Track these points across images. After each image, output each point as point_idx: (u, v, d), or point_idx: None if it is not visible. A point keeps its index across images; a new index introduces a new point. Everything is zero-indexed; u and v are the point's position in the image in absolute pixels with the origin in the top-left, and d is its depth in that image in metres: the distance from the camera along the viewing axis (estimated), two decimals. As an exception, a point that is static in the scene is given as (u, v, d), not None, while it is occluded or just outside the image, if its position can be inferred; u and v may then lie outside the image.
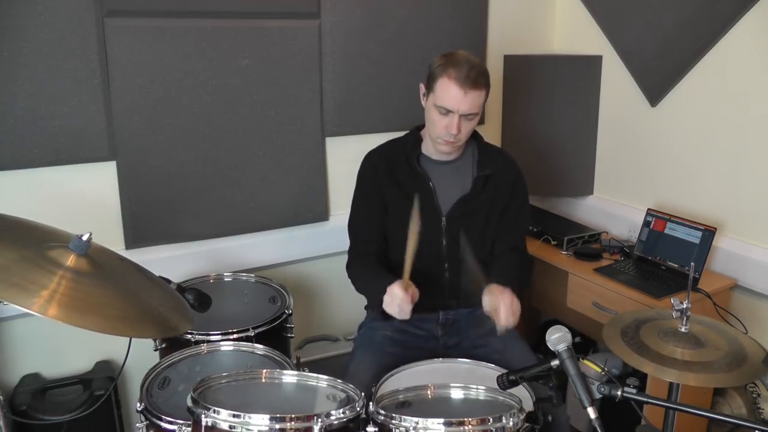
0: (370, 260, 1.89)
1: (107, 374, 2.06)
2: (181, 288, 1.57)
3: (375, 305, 1.84)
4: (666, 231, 2.26)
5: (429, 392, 1.46)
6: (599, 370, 1.44)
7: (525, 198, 1.99)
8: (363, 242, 1.93)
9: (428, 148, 1.90)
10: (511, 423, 1.29)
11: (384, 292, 1.71)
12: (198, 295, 1.59)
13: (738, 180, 2.17)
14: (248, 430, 1.19)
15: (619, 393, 1.24)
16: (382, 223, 1.91)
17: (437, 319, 1.92)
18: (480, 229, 1.90)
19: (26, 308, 1.05)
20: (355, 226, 1.96)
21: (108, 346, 2.10)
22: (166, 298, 1.41)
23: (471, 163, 1.92)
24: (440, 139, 1.80)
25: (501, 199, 1.92)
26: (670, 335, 1.52)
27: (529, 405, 1.45)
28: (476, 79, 1.72)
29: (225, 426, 1.20)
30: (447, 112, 1.74)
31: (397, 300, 1.66)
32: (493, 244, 1.95)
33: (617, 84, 2.54)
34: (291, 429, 1.21)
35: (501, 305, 1.65)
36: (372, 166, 1.92)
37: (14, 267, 1.13)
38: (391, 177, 1.88)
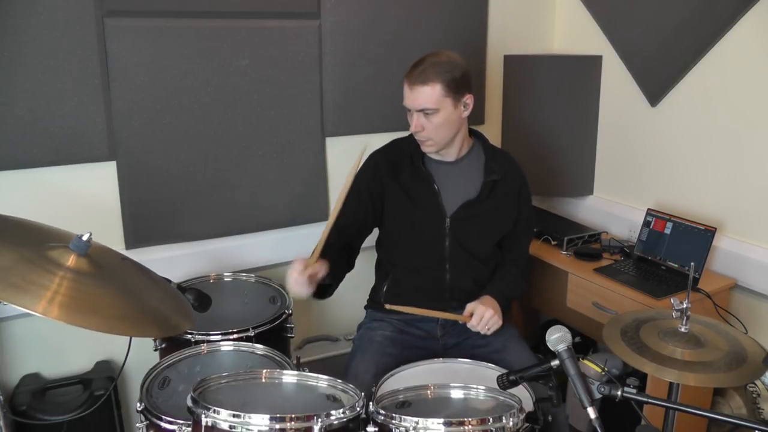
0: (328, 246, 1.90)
1: (107, 374, 2.06)
2: (182, 288, 1.57)
3: None
4: (666, 231, 2.25)
5: (429, 392, 1.46)
6: (599, 370, 1.44)
7: (531, 205, 2.04)
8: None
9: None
10: (511, 423, 1.29)
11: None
12: (198, 295, 1.59)
13: (738, 180, 2.17)
14: (248, 430, 1.19)
15: (619, 393, 1.24)
16: (365, 219, 1.92)
17: (437, 320, 1.91)
18: (483, 232, 1.91)
19: (27, 309, 1.05)
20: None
21: (108, 346, 2.10)
22: (166, 297, 1.41)
23: (478, 167, 1.91)
24: (416, 138, 1.83)
25: (506, 205, 1.93)
26: (670, 335, 1.52)
27: (529, 405, 1.45)
28: (423, 74, 1.73)
29: (225, 426, 1.20)
30: (408, 110, 1.79)
31: (291, 275, 1.66)
32: (500, 248, 1.99)
33: (617, 84, 2.54)
34: (291, 429, 1.20)
35: (479, 312, 1.76)
36: (375, 165, 1.92)
37: (15, 268, 1.12)
38: (394, 178, 1.88)
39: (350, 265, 1.94)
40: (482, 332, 1.78)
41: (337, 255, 1.81)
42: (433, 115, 1.76)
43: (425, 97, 1.73)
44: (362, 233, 1.95)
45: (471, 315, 1.77)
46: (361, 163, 1.81)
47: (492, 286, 1.92)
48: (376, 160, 1.93)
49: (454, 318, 1.80)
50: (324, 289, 1.79)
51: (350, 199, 1.93)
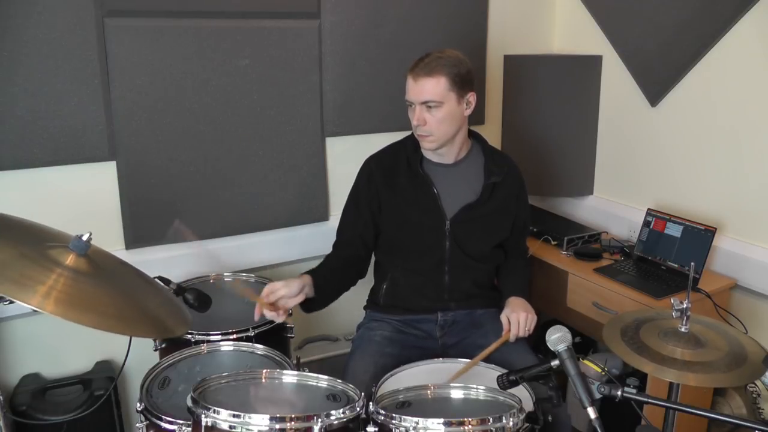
0: (333, 257, 1.92)
1: (107, 374, 2.06)
2: (181, 288, 1.58)
3: None
4: (666, 231, 2.25)
5: (429, 392, 1.46)
6: (599, 370, 1.44)
7: (528, 204, 2.06)
8: (341, 243, 1.95)
9: (428, 151, 1.90)
10: (511, 423, 1.29)
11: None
12: (198, 295, 1.59)
13: (738, 180, 2.17)
14: (248, 430, 1.19)
15: (619, 393, 1.24)
16: (367, 231, 1.91)
17: (435, 320, 1.92)
18: (482, 234, 1.91)
19: (23, 302, 1.05)
20: (340, 226, 1.98)
21: (108, 346, 2.10)
22: (164, 301, 1.42)
23: (477, 169, 1.91)
24: (416, 134, 1.82)
25: (505, 206, 1.93)
26: (670, 335, 1.52)
27: (529, 405, 1.45)
28: (428, 66, 1.73)
29: (225, 426, 1.20)
30: (410, 104, 1.79)
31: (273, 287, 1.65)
32: (503, 248, 2.00)
33: (617, 84, 2.54)
34: (291, 429, 1.21)
35: (514, 319, 1.76)
36: (369, 174, 1.91)
37: (13, 263, 1.13)
38: (389, 183, 1.88)
39: (361, 275, 1.95)
40: (524, 335, 1.77)
41: (338, 275, 1.85)
42: (436, 109, 1.75)
43: (430, 89, 1.73)
44: (368, 243, 1.94)
45: (509, 329, 1.77)
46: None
47: (509, 285, 1.94)
48: (369, 167, 1.92)
49: (500, 344, 1.74)
50: (309, 304, 1.77)
51: (351, 212, 1.94)
